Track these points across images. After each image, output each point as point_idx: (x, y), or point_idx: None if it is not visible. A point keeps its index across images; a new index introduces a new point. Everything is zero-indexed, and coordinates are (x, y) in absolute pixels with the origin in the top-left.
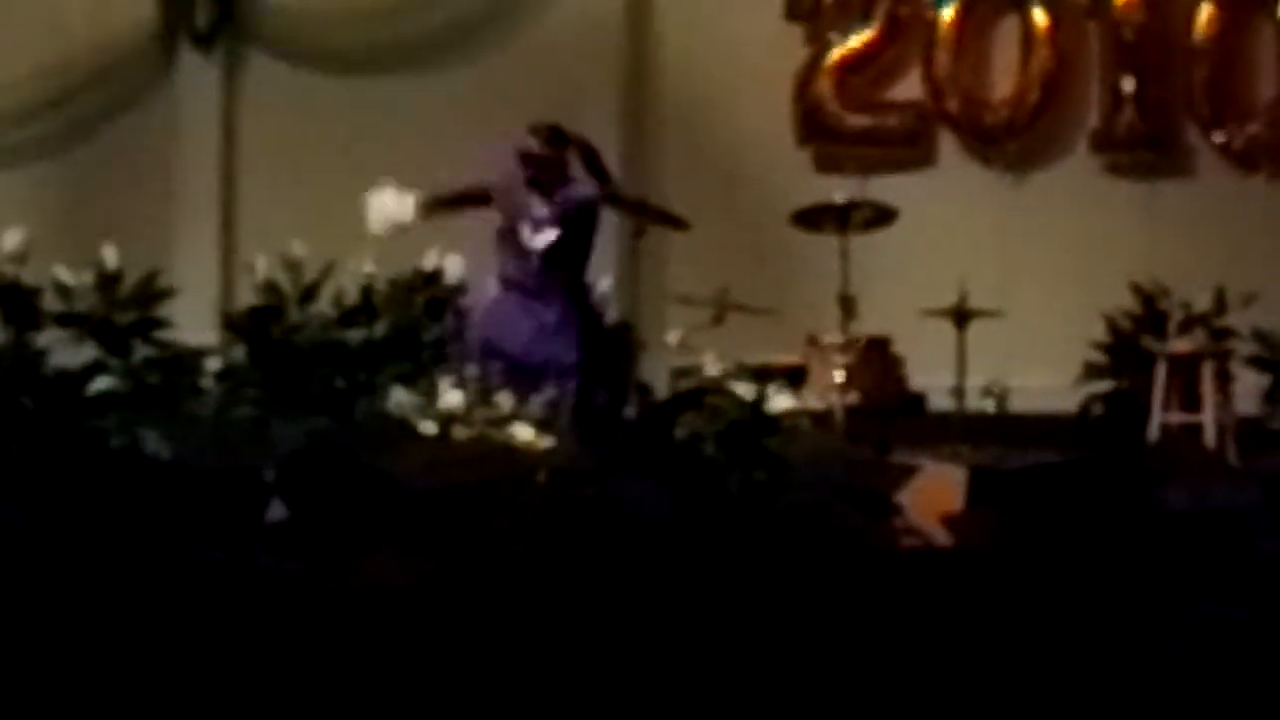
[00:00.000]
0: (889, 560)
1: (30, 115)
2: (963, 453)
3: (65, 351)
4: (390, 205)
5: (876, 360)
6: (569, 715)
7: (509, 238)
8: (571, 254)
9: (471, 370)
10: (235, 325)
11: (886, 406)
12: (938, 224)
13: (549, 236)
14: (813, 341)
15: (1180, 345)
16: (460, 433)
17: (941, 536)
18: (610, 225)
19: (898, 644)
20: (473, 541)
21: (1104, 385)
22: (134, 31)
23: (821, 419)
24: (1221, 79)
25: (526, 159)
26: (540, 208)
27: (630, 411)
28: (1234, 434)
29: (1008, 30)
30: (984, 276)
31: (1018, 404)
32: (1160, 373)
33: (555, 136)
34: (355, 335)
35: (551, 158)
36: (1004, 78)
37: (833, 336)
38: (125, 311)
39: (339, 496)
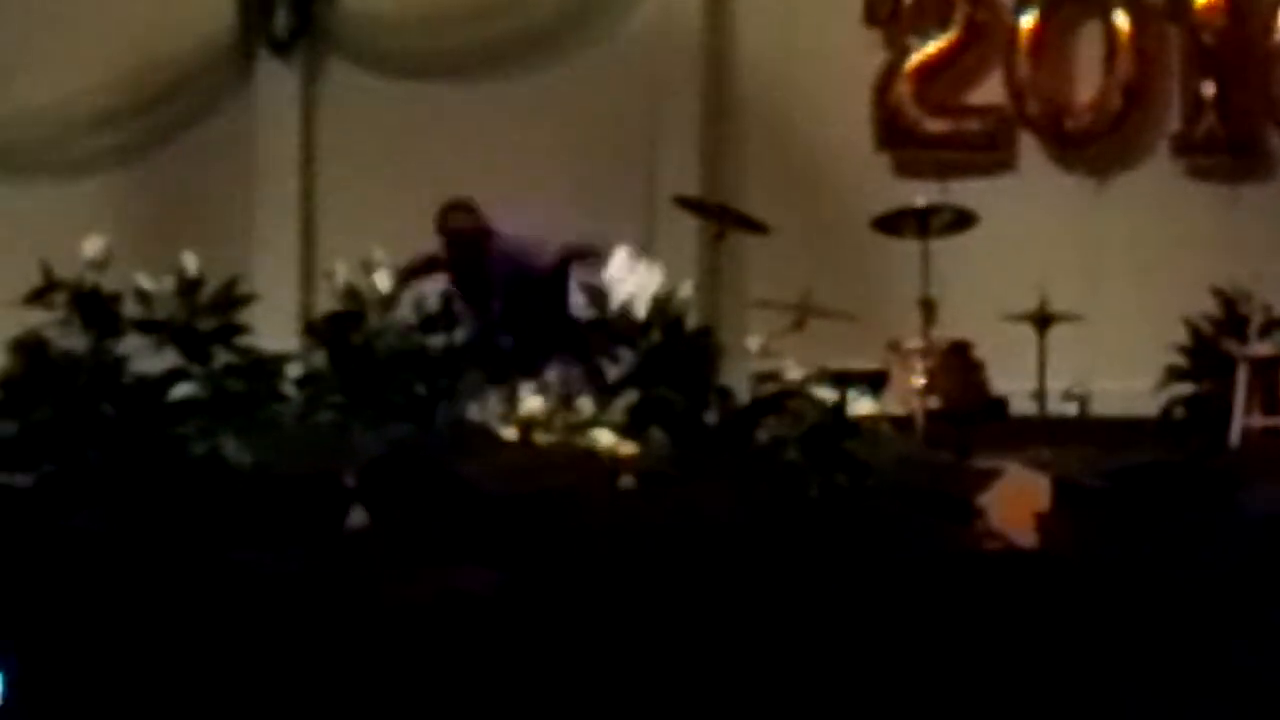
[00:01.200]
0: (971, 563)
1: (111, 122)
2: (1045, 456)
3: (146, 358)
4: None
5: (957, 365)
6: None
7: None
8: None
9: (554, 374)
10: (315, 331)
11: (968, 411)
12: (1018, 228)
13: None
14: (893, 346)
15: (1261, 349)
16: (541, 438)
17: (1025, 540)
18: (690, 230)
19: (980, 646)
20: (554, 547)
21: (1185, 389)
22: (213, 38)
23: (903, 424)
24: None
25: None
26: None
27: (712, 416)
28: None
29: (1089, 34)
30: (1064, 281)
31: (1099, 408)
32: (1242, 376)
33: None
34: (436, 341)
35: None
36: (1085, 82)
37: (913, 341)
38: (206, 318)
39: (421, 503)
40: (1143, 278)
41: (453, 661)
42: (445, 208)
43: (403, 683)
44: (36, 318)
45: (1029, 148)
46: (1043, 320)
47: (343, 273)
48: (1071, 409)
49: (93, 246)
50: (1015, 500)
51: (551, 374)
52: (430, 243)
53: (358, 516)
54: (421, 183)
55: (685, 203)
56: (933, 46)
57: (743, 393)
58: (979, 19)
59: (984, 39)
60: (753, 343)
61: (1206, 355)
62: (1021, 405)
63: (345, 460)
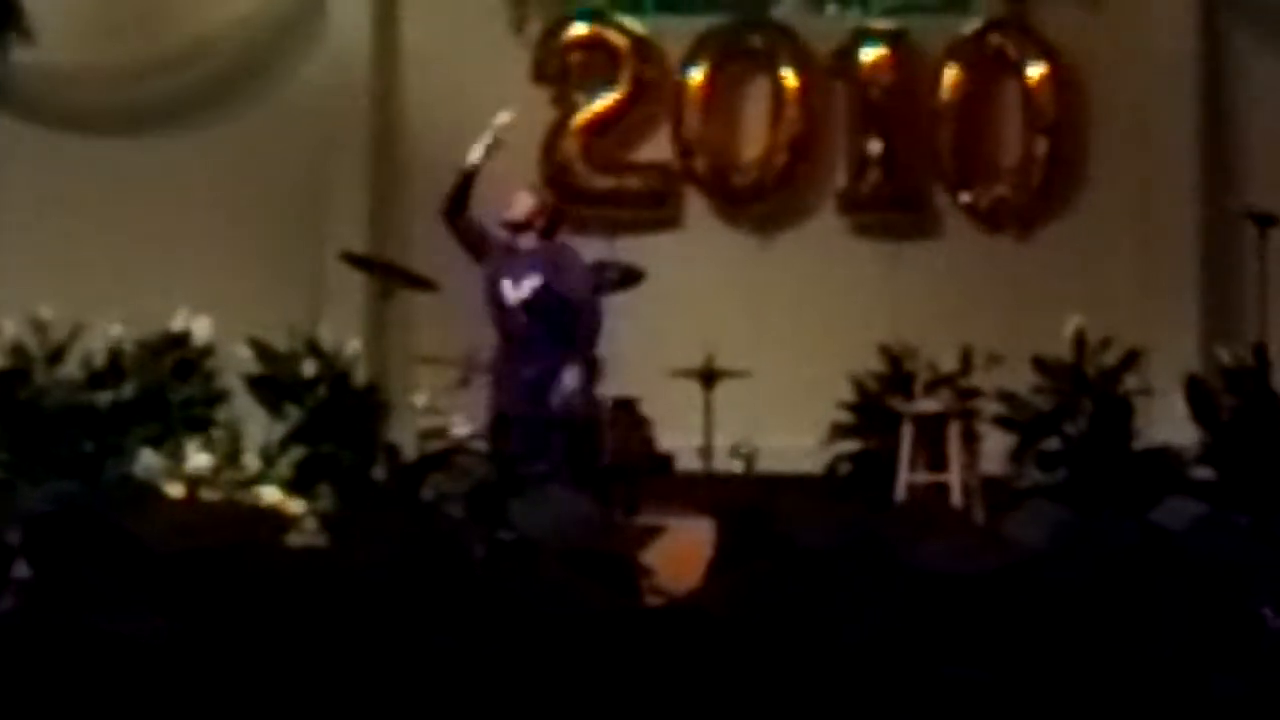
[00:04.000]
0: (632, 620)
1: None
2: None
3: None
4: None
5: (624, 421)
6: None
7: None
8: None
9: None
10: None
11: (635, 467)
12: (685, 285)
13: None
14: None
15: (926, 405)
16: (208, 494)
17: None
18: (358, 286)
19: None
20: (218, 603)
21: (851, 445)
22: None
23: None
24: (967, 140)
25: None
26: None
27: (379, 472)
28: (980, 493)
29: (757, 91)
30: (732, 337)
31: (766, 464)
32: (907, 432)
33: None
34: (103, 398)
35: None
36: (752, 138)
37: None
38: None
39: (87, 558)
40: (809, 334)
41: (117, 708)
42: None
43: None
44: None
45: (696, 204)
46: (709, 376)
47: (10, 329)
48: (738, 465)
49: None
50: (679, 553)
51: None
52: (102, 301)
53: (22, 572)
54: (90, 238)
55: (352, 259)
56: (599, 104)
57: (410, 449)
58: (646, 76)
59: (651, 96)
60: (420, 399)
61: (872, 412)
62: (688, 461)
63: (10, 517)
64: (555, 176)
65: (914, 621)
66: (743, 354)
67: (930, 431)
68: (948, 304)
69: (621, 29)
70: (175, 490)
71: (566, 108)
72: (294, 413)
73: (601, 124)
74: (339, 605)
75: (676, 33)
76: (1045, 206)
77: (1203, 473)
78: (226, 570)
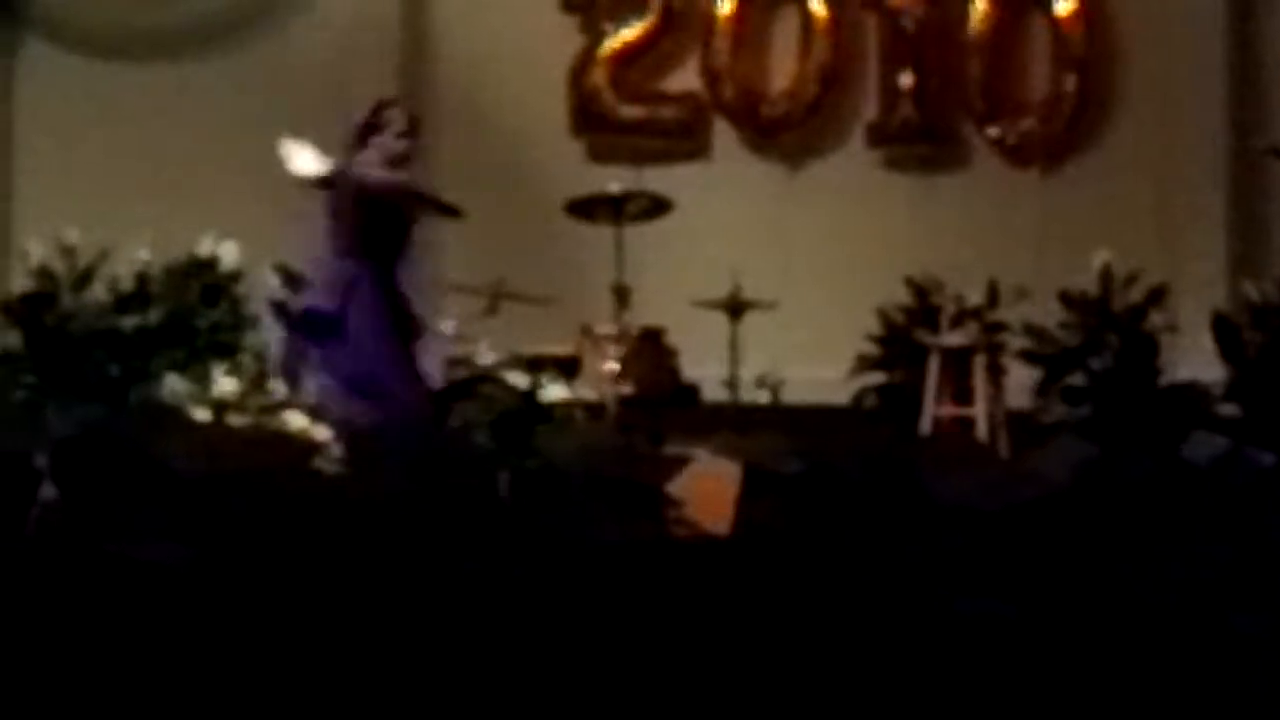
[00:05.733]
0: (660, 551)
1: None
2: (736, 443)
3: None
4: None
5: (650, 351)
6: (334, 707)
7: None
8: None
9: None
10: (9, 311)
11: (660, 397)
12: (713, 215)
13: None
14: (586, 332)
15: (953, 339)
16: (234, 419)
17: (716, 528)
18: None
19: (669, 638)
20: (244, 528)
21: (877, 378)
22: None
23: (595, 410)
24: (996, 74)
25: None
26: None
27: None
28: (1005, 427)
29: (786, 22)
30: (758, 268)
31: (791, 396)
32: (933, 366)
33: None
34: (130, 322)
35: None
36: (782, 70)
37: (606, 327)
38: None
39: (112, 482)
40: (836, 266)
41: (140, 632)
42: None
43: (83, 655)
44: None
45: (724, 135)
46: (735, 308)
47: (37, 252)
48: (763, 397)
49: None
50: (706, 488)
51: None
52: (129, 225)
53: (49, 495)
54: (117, 162)
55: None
56: (629, 33)
57: (436, 377)
58: (675, 6)
59: (680, 25)
60: (446, 327)
61: (898, 345)
62: (714, 392)
63: (38, 440)
64: (583, 105)
65: (939, 555)
66: (769, 285)
67: (956, 365)
68: (975, 238)
69: None
70: (201, 415)
71: (595, 36)
72: None
73: (630, 53)
74: (363, 531)
75: None
76: (1073, 141)
77: (1228, 409)
78: (252, 495)
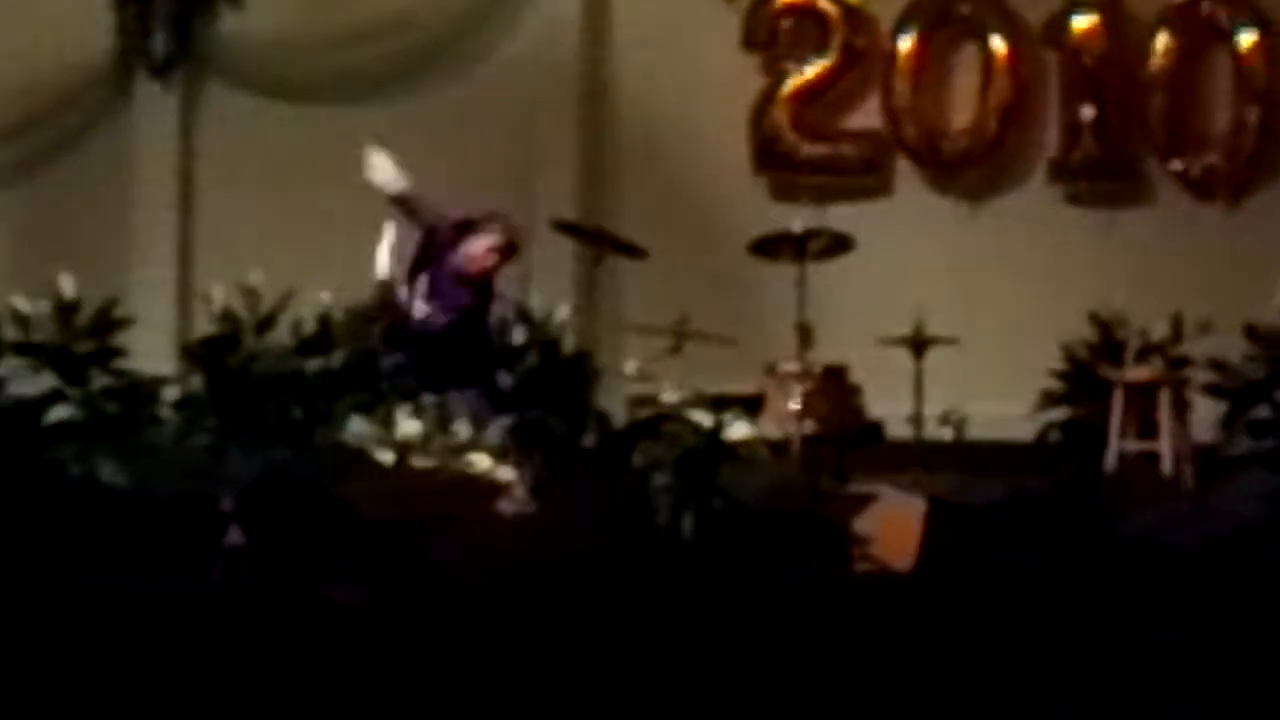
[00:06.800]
0: (846, 588)
1: None
2: (921, 480)
3: (23, 381)
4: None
5: (833, 388)
6: None
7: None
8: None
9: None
10: (192, 354)
11: (844, 435)
12: (895, 253)
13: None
14: (770, 370)
15: (1137, 373)
16: (418, 462)
17: (900, 564)
18: (567, 254)
19: (855, 670)
20: (427, 572)
21: (1061, 413)
22: (92, 61)
23: (779, 448)
24: (1178, 108)
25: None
26: None
27: (589, 439)
28: (1190, 461)
29: (967, 58)
30: (941, 305)
31: (975, 432)
32: (1117, 401)
33: None
34: (313, 364)
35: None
36: (962, 106)
37: (790, 365)
38: (82, 340)
39: (297, 526)
40: (1019, 302)
41: (324, 672)
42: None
43: (271, 696)
44: None
45: (905, 172)
46: (919, 344)
47: (219, 296)
48: (947, 433)
49: None
50: (891, 524)
51: (454, 396)
52: (311, 267)
53: (235, 539)
54: (299, 206)
55: (563, 226)
56: (810, 71)
57: (619, 416)
58: (856, 44)
59: (861, 63)
60: (629, 366)
61: (1082, 380)
62: (898, 429)
63: (221, 483)
64: (765, 144)
65: (1127, 591)
66: (952, 322)
67: (1141, 399)
68: (1158, 272)
69: None
70: (385, 458)
71: (776, 75)
72: (505, 379)
73: (811, 92)
74: (546, 574)
75: (886, 0)
76: (1256, 174)
77: None
78: (435, 539)
